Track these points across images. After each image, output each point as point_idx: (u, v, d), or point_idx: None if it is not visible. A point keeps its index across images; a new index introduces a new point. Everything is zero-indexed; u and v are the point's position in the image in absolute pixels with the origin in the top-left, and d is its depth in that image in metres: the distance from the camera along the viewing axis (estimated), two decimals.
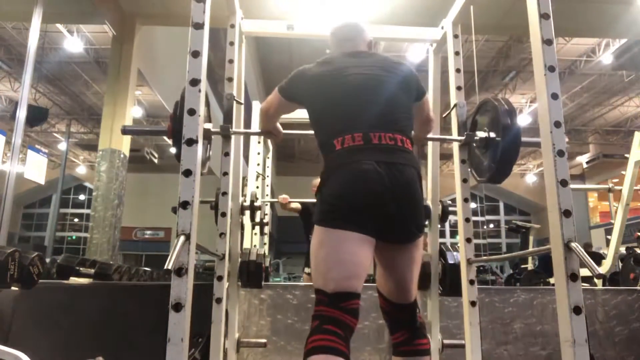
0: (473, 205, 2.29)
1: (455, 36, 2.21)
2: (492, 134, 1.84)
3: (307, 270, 4.07)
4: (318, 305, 1.36)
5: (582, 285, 1.23)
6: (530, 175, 19.65)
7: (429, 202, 2.31)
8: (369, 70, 1.56)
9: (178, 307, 1.15)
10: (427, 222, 2.31)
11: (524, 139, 1.75)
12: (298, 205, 4.08)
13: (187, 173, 1.26)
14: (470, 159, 2.05)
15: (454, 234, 18.51)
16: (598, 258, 5.69)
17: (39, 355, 1.59)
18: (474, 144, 1.95)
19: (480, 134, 1.91)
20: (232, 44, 2.16)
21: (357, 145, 1.43)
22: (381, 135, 1.44)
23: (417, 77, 1.65)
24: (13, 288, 1.72)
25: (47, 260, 3.00)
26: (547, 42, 1.36)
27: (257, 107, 3.92)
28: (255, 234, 3.80)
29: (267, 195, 4.29)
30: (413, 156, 1.50)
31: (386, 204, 1.39)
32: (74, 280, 2.81)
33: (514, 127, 1.73)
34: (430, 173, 2.36)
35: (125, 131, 1.90)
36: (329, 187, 1.44)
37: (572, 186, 1.28)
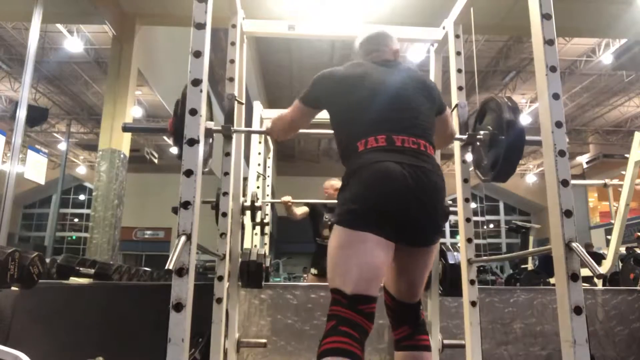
0: (473, 205, 2.28)
1: (457, 36, 2.21)
2: (496, 133, 1.84)
3: (313, 271, 4.01)
4: (335, 305, 1.35)
5: (582, 285, 1.23)
6: (530, 176, 19.65)
7: None
8: (395, 77, 1.57)
9: (179, 307, 1.16)
10: None
11: (527, 137, 1.75)
12: (305, 210, 4.01)
13: (189, 173, 1.26)
14: (473, 158, 2.05)
15: (454, 234, 18.52)
16: (598, 258, 5.69)
17: (39, 355, 1.58)
18: (477, 143, 1.95)
19: (484, 133, 1.90)
20: (233, 44, 2.16)
21: (380, 146, 1.43)
22: (404, 139, 1.44)
23: (439, 92, 1.69)
24: (13, 288, 1.72)
25: (47, 260, 3.00)
26: (549, 42, 1.36)
27: (257, 107, 3.92)
28: (256, 234, 3.80)
29: (267, 195, 4.28)
30: (436, 162, 1.50)
31: (409, 205, 1.38)
32: (74, 280, 2.81)
33: (518, 125, 1.73)
34: None
35: (125, 128, 1.90)
36: (351, 188, 1.43)
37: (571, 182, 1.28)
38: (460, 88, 2.15)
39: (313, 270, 4.00)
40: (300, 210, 3.97)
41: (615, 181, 4.77)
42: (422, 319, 1.57)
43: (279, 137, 1.88)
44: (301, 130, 2.24)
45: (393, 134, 1.44)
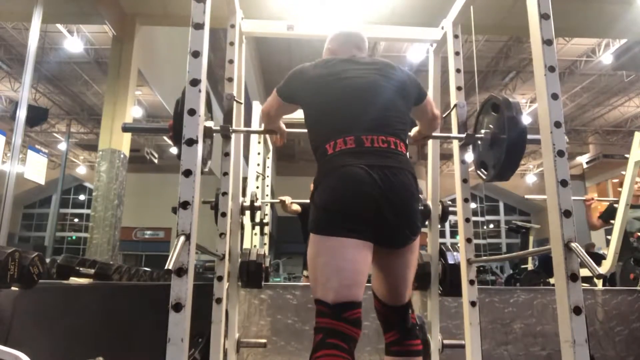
0: (473, 205, 2.30)
1: (456, 36, 2.21)
2: (498, 132, 1.83)
3: (305, 272, 4.06)
4: (319, 316, 1.33)
5: (582, 286, 1.23)
6: (530, 176, 19.64)
7: (429, 202, 2.31)
8: (365, 75, 1.54)
9: (178, 307, 1.15)
10: (427, 222, 2.31)
11: (528, 136, 1.74)
12: (298, 208, 4.06)
13: (187, 173, 1.26)
14: (474, 157, 2.04)
15: (454, 234, 18.51)
16: (598, 258, 5.69)
17: (39, 355, 1.58)
18: (479, 142, 1.95)
19: (485, 132, 1.89)
20: (232, 44, 2.16)
21: (348, 149, 1.41)
22: (374, 139, 1.42)
23: (416, 81, 1.64)
24: (13, 288, 1.72)
25: (47, 260, 3.00)
26: (547, 42, 1.36)
27: (257, 107, 3.92)
28: (255, 234, 3.81)
29: (267, 195, 4.29)
30: (407, 159, 1.48)
31: (380, 208, 1.36)
32: (74, 280, 2.81)
33: (519, 123, 1.72)
34: (430, 173, 2.36)
35: (125, 129, 1.90)
36: (321, 193, 1.41)
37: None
38: (459, 88, 2.15)
39: (305, 273, 4.03)
40: (297, 206, 4.02)
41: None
42: (413, 323, 1.53)
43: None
44: (301, 131, 2.24)
45: (362, 135, 1.42)
